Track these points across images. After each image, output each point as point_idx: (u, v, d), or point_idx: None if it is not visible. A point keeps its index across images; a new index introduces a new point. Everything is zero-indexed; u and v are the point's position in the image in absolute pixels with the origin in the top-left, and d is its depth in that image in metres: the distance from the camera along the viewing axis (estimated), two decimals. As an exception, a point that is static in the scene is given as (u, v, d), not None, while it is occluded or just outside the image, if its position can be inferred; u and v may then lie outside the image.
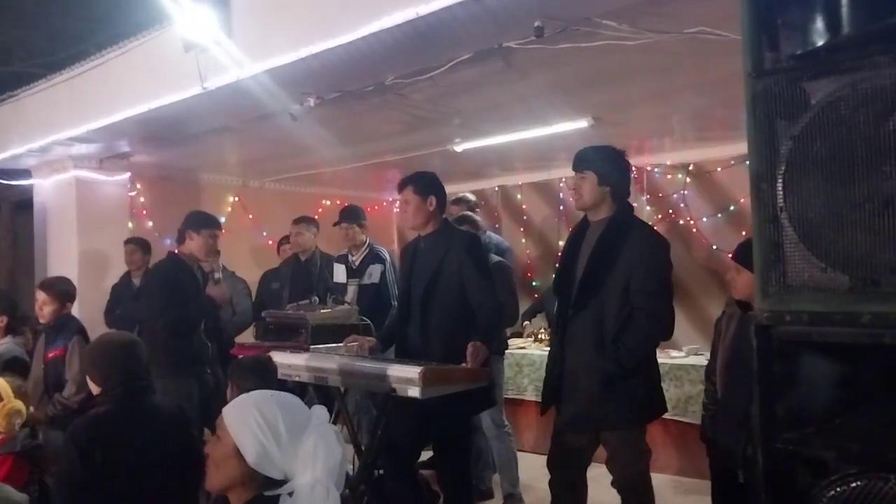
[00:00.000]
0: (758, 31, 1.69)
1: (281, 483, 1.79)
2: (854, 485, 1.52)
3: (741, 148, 6.32)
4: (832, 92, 1.58)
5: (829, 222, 1.58)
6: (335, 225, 5.99)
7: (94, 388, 2.94)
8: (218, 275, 4.64)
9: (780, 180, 1.66)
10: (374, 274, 5.54)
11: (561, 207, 7.86)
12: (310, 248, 6.16)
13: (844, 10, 1.60)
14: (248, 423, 1.80)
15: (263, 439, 1.77)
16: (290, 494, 1.77)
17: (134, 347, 3.00)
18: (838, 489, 1.55)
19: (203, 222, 4.79)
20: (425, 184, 3.86)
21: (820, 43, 1.62)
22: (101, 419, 2.80)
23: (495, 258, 5.03)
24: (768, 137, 1.68)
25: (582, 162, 3.40)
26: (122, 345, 2.99)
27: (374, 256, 5.69)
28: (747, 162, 5.18)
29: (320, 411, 1.89)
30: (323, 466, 1.74)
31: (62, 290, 4.65)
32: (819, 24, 1.63)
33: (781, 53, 1.68)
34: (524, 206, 8.30)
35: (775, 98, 1.67)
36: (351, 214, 5.81)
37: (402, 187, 3.89)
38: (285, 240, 6.68)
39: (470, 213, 5.48)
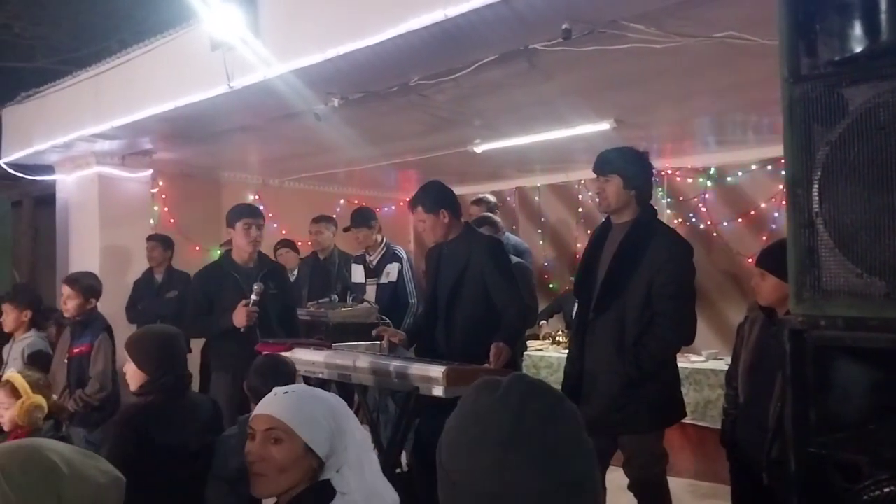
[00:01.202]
0: (795, 37, 1.70)
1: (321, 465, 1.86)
2: (887, 490, 1.53)
3: (763, 152, 6.39)
4: (871, 98, 1.58)
5: (866, 228, 1.59)
6: (345, 230, 5.99)
7: (137, 379, 2.99)
8: (254, 297, 4.25)
9: (816, 185, 1.67)
10: (391, 273, 5.56)
11: (580, 210, 7.85)
12: (329, 247, 6.19)
13: (883, 17, 1.60)
14: (317, 418, 1.84)
15: (331, 431, 1.83)
16: (338, 471, 1.85)
17: (179, 340, 3.14)
18: (871, 494, 1.55)
19: (235, 214, 4.58)
20: (433, 200, 3.91)
21: (858, 49, 1.63)
22: (153, 406, 2.90)
23: (515, 259, 5.04)
24: (805, 143, 1.69)
25: (607, 164, 3.40)
26: (172, 336, 3.11)
27: (391, 256, 5.69)
28: (769, 167, 5.17)
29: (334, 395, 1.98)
30: (366, 441, 1.86)
31: (87, 286, 4.70)
32: (857, 30, 1.63)
33: (819, 59, 1.68)
34: (542, 208, 8.29)
35: (812, 103, 1.67)
36: (359, 219, 5.78)
37: (413, 207, 3.96)
38: (281, 244, 6.70)
39: (490, 214, 5.50)
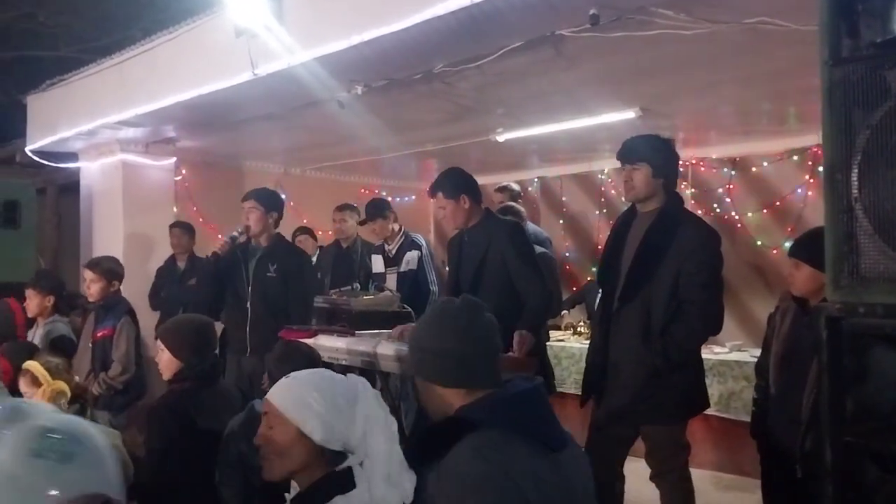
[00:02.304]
0: (836, 18, 1.66)
1: (343, 455, 1.83)
2: (925, 480, 1.50)
3: (788, 142, 6.32)
4: (915, 80, 1.54)
5: (908, 214, 1.55)
6: (361, 224, 6.02)
7: (172, 367, 3.03)
8: (234, 233, 4.50)
9: (856, 170, 1.63)
10: (411, 261, 5.55)
11: (602, 200, 7.80)
12: (351, 236, 6.19)
13: (928, -3, 1.56)
14: (307, 402, 1.82)
15: (326, 415, 1.80)
16: (361, 464, 1.81)
17: (212, 328, 3.25)
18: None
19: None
20: (453, 185, 3.88)
21: (902, 30, 1.59)
22: (192, 392, 2.95)
23: (539, 249, 5.01)
24: (844, 127, 1.65)
25: (634, 153, 3.35)
26: (205, 324, 3.21)
27: (409, 244, 5.68)
28: (794, 157, 5.11)
29: (361, 380, 1.91)
30: (382, 430, 1.78)
31: (108, 268, 4.76)
32: (901, 10, 1.60)
33: (861, 41, 1.64)
34: (564, 198, 8.25)
35: (853, 86, 1.64)
36: (373, 210, 5.77)
37: (433, 193, 3.93)
38: (299, 231, 6.71)
39: (513, 203, 5.46)
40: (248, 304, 4.42)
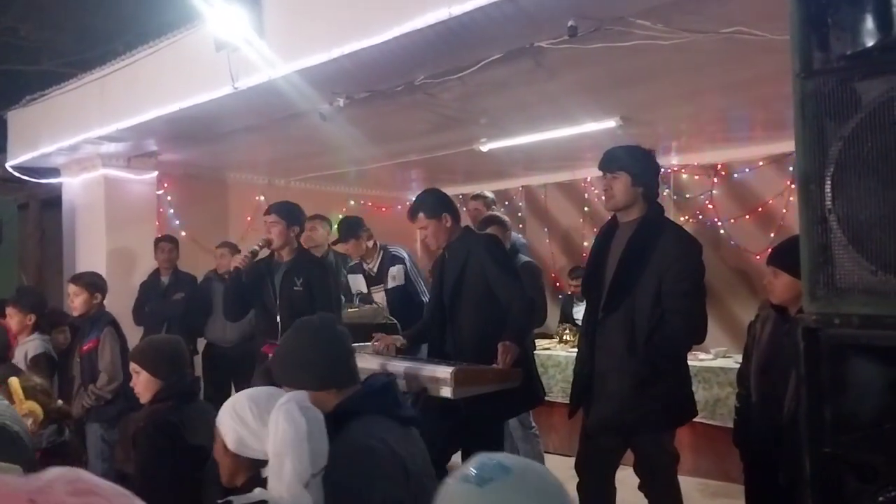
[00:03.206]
0: (807, 31, 1.68)
1: (264, 462, 2.02)
2: (904, 491, 1.51)
3: (769, 149, 6.36)
4: (885, 92, 1.56)
5: (881, 224, 1.56)
6: (333, 244, 5.97)
7: (151, 388, 3.01)
8: (255, 247, 4.50)
9: (829, 182, 1.64)
10: (397, 276, 5.51)
11: (586, 208, 7.83)
12: (322, 245, 6.10)
13: (896, 10, 1.58)
14: (225, 419, 2.13)
15: (237, 427, 2.08)
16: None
17: (183, 346, 3.26)
18: (887, 495, 1.53)
19: None
20: (433, 205, 3.89)
21: (871, 43, 1.60)
22: (176, 410, 2.94)
23: (524, 258, 5.02)
24: (817, 138, 1.66)
25: (614, 162, 3.36)
26: (179, 342, 3.24)
27: (391, 258, 5.60)
28: (775, 163, 5.14)
29: (292, 394, 2.02)
30: (283, 439, 1.87)
31: (91, 281, 4.78)
32: (870, 23, 1.61)
33: (831, 53, 1.65)
34: (548, 207, 8.27)
35: (824, 98, 1.65)
36: (345, 231, 5.65)
37: (413, 215, 3.93)
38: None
39: (497, 214, 5.47)
40: (279, 318, 4.40)
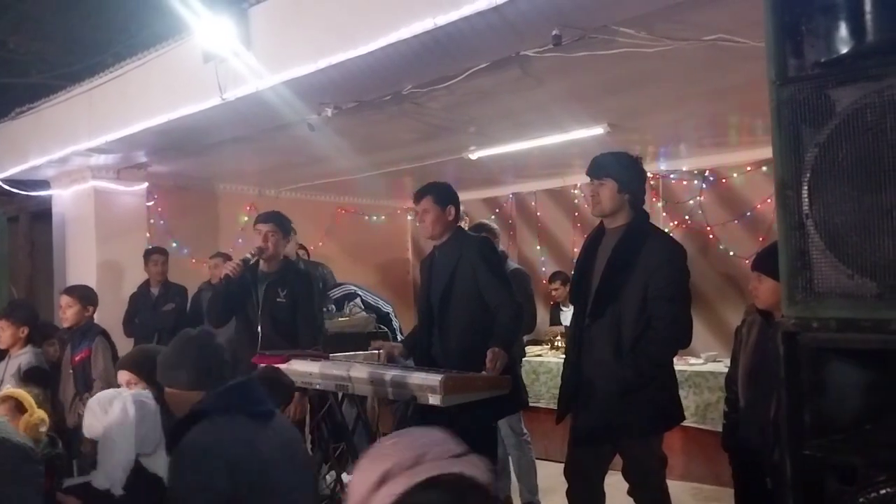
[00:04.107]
0: (782, 39, 1.70)
1: None
2: (883, 492, 1.52)
3: (757, 154, 6.39)
4: (858, 99, 1.58)
5: (856, 229, 1.58)
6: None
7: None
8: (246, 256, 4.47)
9: (806, 187, 1.66)
10: None
11: (576, 214, 7.86)
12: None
13: (868, 18, 1.60)
14: (86, 411, 2.70)
15: (89, 417, 2.63)
16: None
17: None
18: (867, 496, 1.55)
19: None
20: (444, 194, 3.86)
21: (844, 50, 1.62)
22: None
23: (513, 265, 5.03)
24: (793, 145, 1.68)
25: (601, 169, 3.38)
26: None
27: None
28: (764, 168, 5.17)
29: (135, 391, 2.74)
30: (111, 423, 2.54)
31: (84, 294, 4.78)
32: (843, 31, 1.63)
33: (806, 61, 1.68)
34: (539, 213, 8.30)
35: (800, 105, 1.67)
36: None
37: (420, 197, 3.87)
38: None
39: (486, 221, 5.48)
40: (259, 327, 4.39)
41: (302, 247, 6.80)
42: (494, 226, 5.32)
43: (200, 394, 2.43)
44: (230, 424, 2.29)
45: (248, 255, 4.43)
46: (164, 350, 2.65)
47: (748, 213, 6.62)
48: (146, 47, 5.20)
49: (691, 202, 7.00)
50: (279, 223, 4.46)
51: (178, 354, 2.52)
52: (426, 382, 3.18)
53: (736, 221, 6.70)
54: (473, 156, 6.46)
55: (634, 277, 3.18)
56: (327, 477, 4.78)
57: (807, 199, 1.66)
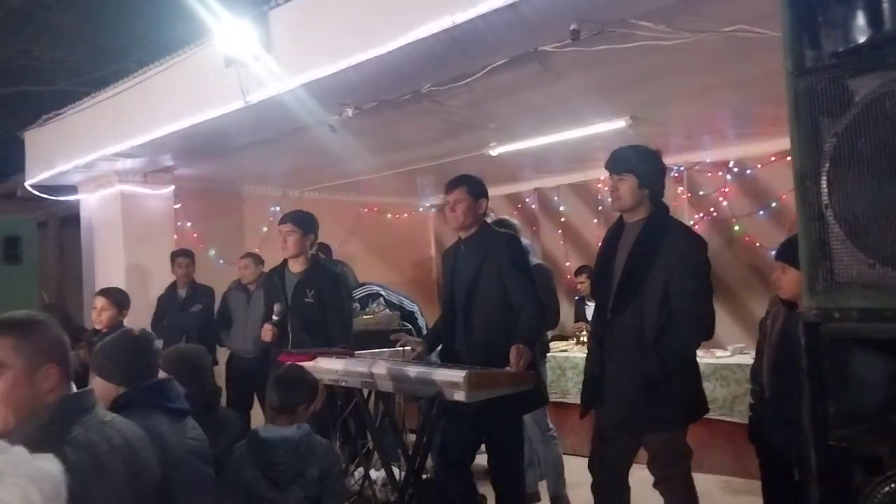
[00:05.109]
0: (798, 30, 1.69)
1: None
2: (909, 481, 1.52)
3: (781, 144, 6.31)
4: (877, 88, 1.57)
5: (877, 218, 1.58)
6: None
7: None
8: (274, 317, 4.52)
9: (825, 178, 1.66)
10: None
11: (599, 208, 7.83)
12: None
13: (886, 7, 1.59)
14: None
15: None
16: None
17: (203, 355, 3.35)
18: (892, 486, 1.55)
19: None
20: (477, 187, 3.89)
21: (862, 40, 1.62)
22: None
23: (535, 260, 5.03)
24: (811, 135, 1.68)
25: (620, 163, 3.37)
26: (200, 351, 3.35)
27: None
28: (789, 157, 5.13)
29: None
30: None
31: (119, 298, 4.88)
32: (860, 20, 1.63)
33: (823, 51, 1.67)
34: (561, 208, 8.28)
35: (818, 96, 1.67)
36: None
37: (453, 186, 3.88)
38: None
39: (507, 217, 5.49)
40: (289, 327, 4.44)
41: (322, 245, 6.82)
42: (514, 221, 5.32)
43: (115, 387, 2.53)
44: (144, 417, 2.33)
45: (275, 318, 4.50)
46: (105, 343, 2.71)
47: (773, 204, 6.56)
48: (168, 52, 5.26)
49: (716, 194, 6.95)
50: (298, 222, 4.50)
51: (120, 352, 2.58)
52: (451, 379, 3.20)
53: (761, 212, 6.64)
54: (494, 152, 6.46)
55: (655, 271, 3.18)
56: (355, 473, 4.83)
57: (826, 190, 1.65)
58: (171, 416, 2.48)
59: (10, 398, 1.81)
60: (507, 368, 3.43)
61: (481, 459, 4.30)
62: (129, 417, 2.21)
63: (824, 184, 1.65)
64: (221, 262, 7.24)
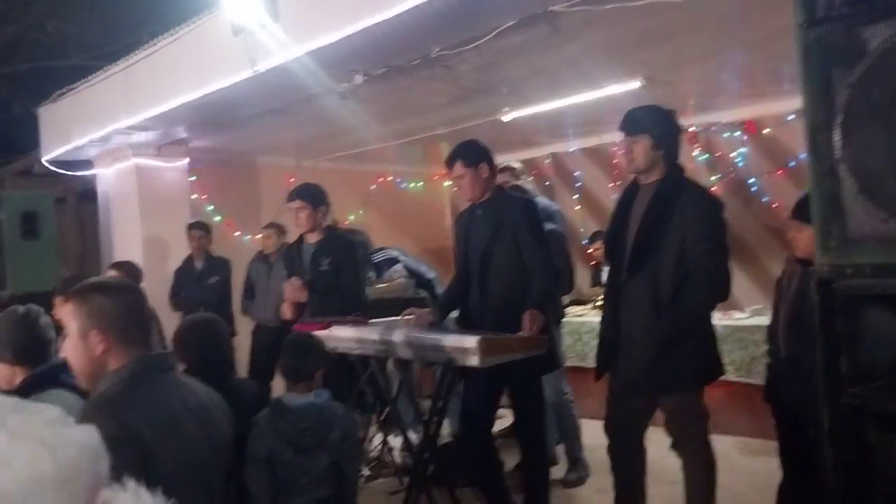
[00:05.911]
0: (809, -22, 1.65)
1: None
2: (923, 438, 1.50)
3: (798, 102, 6.20)
4: (890, 36, 1.53)
5: (892, 172, 1.54)
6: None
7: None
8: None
9: (838, 131, 1.62)
10: None
11: (615, 172, 7.76)
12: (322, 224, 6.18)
13: (899, -49, 1.55)
14: None
15: None
16: None
17: (216, 325, 3.27)
18: (907, 443, 1.53)
19: None
20: (473, 153, 3.83)
21: (874, -13, 1.57)
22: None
23: (549, 226, 4.99)
24: (823, 88, 1.65)
25: (635, 124, 3.33)
26: (212, 321, 3.28)
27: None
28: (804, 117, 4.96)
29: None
30: None
31: (132, 271, 4.90)
32: (873, -34, 1.58)
33: (834, 1, 1.63)
34: (577, 173, 8.22)
35: (829, 47, 1.63)
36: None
37: (451, 163, 3.84)
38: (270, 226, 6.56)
39: (520, 183, 5.44)
40: (308, 297, 4.48)
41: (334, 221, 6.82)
42: (529, 187, 5.26)
43: (24, 369, 2.51)
44: (58, 398, 2.30)
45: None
46: None
47: (792, 163, 6.46)
48: (180, 23, 5.23)
49: (732, 154, 6.86)
50: (306, 197, 4.50)
51: (5, 330, 2.56)
52: (464, 345, 3.20)
53: (779, 172, 6.55)
54: (507, 117, 6.40)
55: (671, 231, 3.15)
56: (374, 439, 4.87)
57: (839, 143, 1.62)
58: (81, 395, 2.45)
59: (73, 359, 1.98)
60: (521, 333, 3.43)
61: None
62: (41, 400, 2.22)
63: (838, 137, 1.62)
64: (247, 237, 7.25)
